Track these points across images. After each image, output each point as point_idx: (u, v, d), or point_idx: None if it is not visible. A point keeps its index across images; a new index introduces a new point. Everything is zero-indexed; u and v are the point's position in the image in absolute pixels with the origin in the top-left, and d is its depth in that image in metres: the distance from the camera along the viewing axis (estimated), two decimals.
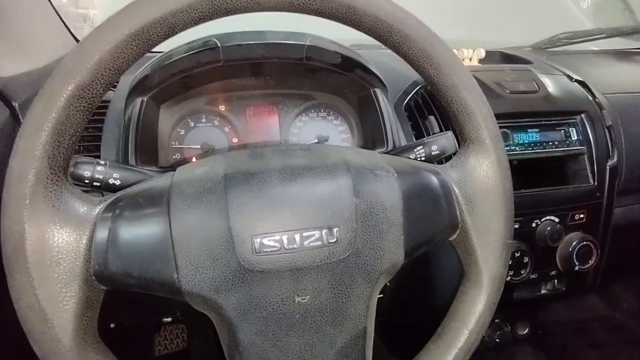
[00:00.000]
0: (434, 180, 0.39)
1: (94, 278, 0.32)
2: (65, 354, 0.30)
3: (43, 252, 0.30)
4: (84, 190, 0.36)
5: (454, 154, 0.44)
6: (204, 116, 0.63)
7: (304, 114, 0.67)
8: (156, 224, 0.32)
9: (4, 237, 0.30)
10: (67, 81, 0.30)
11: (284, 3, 0.33)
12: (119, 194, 0.35)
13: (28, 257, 0.30)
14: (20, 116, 0.54)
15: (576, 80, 0.75)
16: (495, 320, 0.81)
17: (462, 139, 0.41)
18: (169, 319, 0.69)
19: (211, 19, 0.33)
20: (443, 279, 0.67)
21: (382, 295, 0.69)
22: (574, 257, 0.66)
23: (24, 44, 0.62)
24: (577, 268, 0.67)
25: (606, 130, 0.71)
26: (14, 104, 0.54)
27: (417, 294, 0.73)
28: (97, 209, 0.33)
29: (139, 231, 0.33)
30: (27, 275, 0.30)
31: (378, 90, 0.61)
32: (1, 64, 0.56)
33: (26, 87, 0.57)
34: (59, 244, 0.31)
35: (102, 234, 0.32)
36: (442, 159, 0.48)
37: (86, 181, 0.39)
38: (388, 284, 0.71)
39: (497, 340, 0.80)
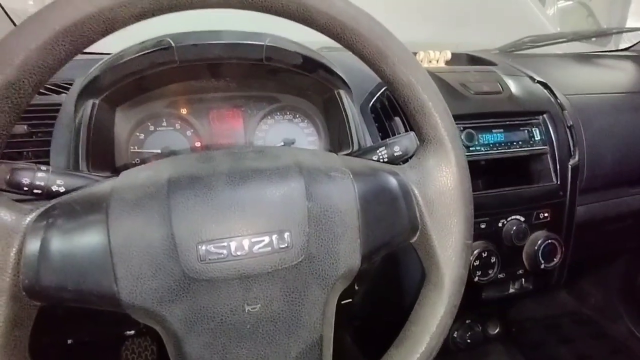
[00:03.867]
0: (393, 181, 0.38)
1: (24, 293, 0.29)
2: None
3: None
4: (23, 199, 0.33)
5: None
6: (164, 120, 0.61)
7: (269, 117, 0.65)
8: (93, 233, 0.30)
9: None
10: None
11: (238, 1, 0.32)
12: (53, 201, 0.32)
13: None
14: None
15: (539, 82, 0.77)
16: (467, 321, 0.81)
17: (420, 139, 0.41)
18: (132, 332, 0.66)
19: (154, 15, 0.31)
20: (413, 280, 0.67)
21: (350, 300, 0.68)
22: (540, 255, 0.67)
23: None
24: (542, 266, 0.68)
25: (567, 130, 0.73)
26: None
27: (389, 297, 0.73)
28: (28, 218, 0.30)
29: (75, 241, 0.30)
30: None
31: (342, 92, 0.60)
32: None
33: None
34: None
35: (33, 245, 0.29)
36: (408, 159, 0.47)
37: (25, 189, 0.36)
38: (357, 287, 0.70)
39: (469, 340, 0.80)
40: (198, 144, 0.62)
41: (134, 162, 0.60)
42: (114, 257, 0.30)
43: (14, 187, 0.36)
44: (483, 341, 0.83)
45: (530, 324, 1.07)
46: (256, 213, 0.32)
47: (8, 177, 0.35)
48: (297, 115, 0.66)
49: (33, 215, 0.31)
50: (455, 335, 0.79)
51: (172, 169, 0.33)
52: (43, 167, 0.37)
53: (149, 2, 0.30)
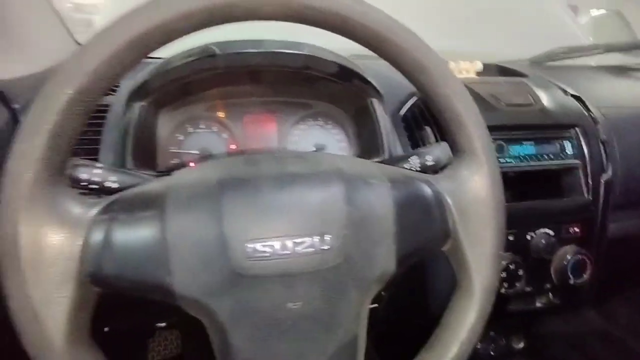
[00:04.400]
0: (427, 190, 0.40)
1: (88, 280, 0.32)
2: (57, 355, 0.30)
3: (37, 253, 0.30)
4: (81, 193, 0.36)
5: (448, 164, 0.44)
6: (202, 122, 0.64)
7: (301, 122, 0.67)
8: (151, 227, 0.33)
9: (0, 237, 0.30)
10: (66, 85, 0.30)
11: (280, 13, 0.34)
12: (114, 196, 0.35)
13: (22, 258, 0.30)
14: (20, 119, 0.55)
15: (571, 95, 0.76)
16: (490, 333, 0.81)
17: (454, 150, 0.42)
18: (163, 324, 0.69)
19: (208, 26, 0.33)
20: (439, 288, 0.67)
21: (377, 305, 0.69)
22: (569, 270, 0.66)
23: (25, 48, 0.63)
24: (571, 281, 0.67)
25: (601, 145, 0.72)
26: (14, 106, 0.55)
27: (414, 304, 0.73)
28: (93, 211, 0.33)
29: (134, 234, 0.33)
30: (21, 276, 0.30)
31: (375, 100, 0.62)
32: (2, 66, 0.57)
33: (27, 90, 0.58)
34: (54, 245, 0.31)
35: (96, 236, 0.32)
36: (438, 169, 0.48)
37: (83, 184, 0.39)
38: (383, 293, 0.71)
39: (492, 353, 0.80)
40: (233, 147, 0.65)
41: (173, 161, 0.63)
42: (169, 251, 0.32)
43: (74, 181, 0.39)
44: (507, 355, 0.82)
45: (555, 341, 1.04)
46: (300, 215, 0.34)
47: (70, 172, 0.38)
48: (329, 122, 0.68)
49: (97, 208, 0.33)
50: (478, 346, 0.78)
51: (221, 171, 0.36)
52: (99, 164, 0.40)
53: (206, 15, 0.32)
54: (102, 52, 0.31)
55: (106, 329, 0.64)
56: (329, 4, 0.34)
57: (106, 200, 0.35)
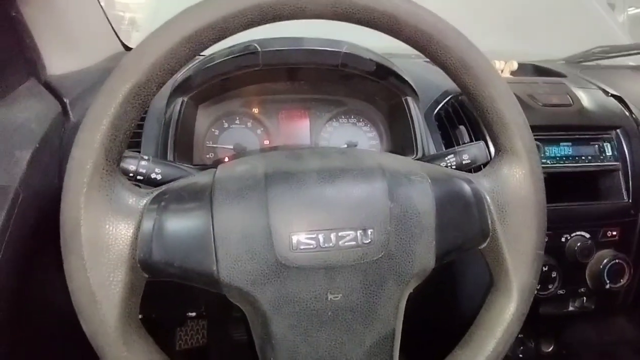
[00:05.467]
0: (467, 188, 0.40)
1: (139, 265, 0.34)
2: (110, 334, 0.32)
3: (96, 238, 0.32)
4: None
5: (485, 163, 0.44)
6: (237, 118, 0.65)
7: (334, 120, 0.68)
8: (199, 218, 0.34)
9: (62, 221, 0.32)
10: (126, 80, 0.32)
11: (327, 12, 0.34)
12: (164, 187, 0.37)
13: (83, 242, 0.32)
14: (70, 111, 0.58)
15: (612, 95, 0.74)
16: (519, 336, 0.79)
17: (496, 149, 0.41)
18: (193, 314, 0.71)
19: (259, 24, 0.34)
20: (468, 288, 0.66)
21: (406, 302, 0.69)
22: (605, 274, 0.65)
23: (75, 45, 0.66)
24: (607, 286, 0.65)
25: None
26: (65, 100, 0.58)
27: (441, 303, 0.73)
28: (145, 201, 0.35)
29: (183, 223, 0.34)
30: (81, 258, 0.32)
31: (410, 99, 0.62)
32: (54, 63, 0.60)
33: (76, 84, 0.61)
34: (110, 231, 0.33)
35: (148, 224, 0.34)
36: (472, 168, 0.48)
37: (131, 174, 0.41)
38: (413, 291, 0.71)
39: (520, 355, 0.78)
40: (267, 142, 0.66)
41: (208, 155, 0.65)
42: (216, 240, 0.33)
43: (123, 172, 0.40)
44: (535, 358, 0.80)
45: (585, 348, 1.01)
46: (343, 209, 0.34)
47: (120, 163, 0.40)
48: (361, 119, 0.69)
49: (149, 198, 0.35)
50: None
51: (267, 165, 0.37)
52: (145, 156, 0.42)
53: (257, 13, 0.33)
54: (159, 49, 0.32)
55: (140, 317, 0.67)
56: (376, 3, 0.34)
57: (157, 190, 0.36)
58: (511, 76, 0.76)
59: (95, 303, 0.32)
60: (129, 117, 0.33)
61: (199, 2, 0.33)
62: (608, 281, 0.65)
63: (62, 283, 0.33)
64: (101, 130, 0.32)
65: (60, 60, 0.61)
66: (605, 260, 0.65)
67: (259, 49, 0.54)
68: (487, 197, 0.40)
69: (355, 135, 0.68)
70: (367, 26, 0.36)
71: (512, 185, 0.40)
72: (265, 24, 0.34)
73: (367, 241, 0.34)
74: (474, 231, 0.39)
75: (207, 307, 0.68)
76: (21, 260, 0.48)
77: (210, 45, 0.34)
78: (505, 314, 0.40)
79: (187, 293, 0.67)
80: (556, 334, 0.84)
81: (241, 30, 0.34)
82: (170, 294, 0.63)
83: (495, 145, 0.41)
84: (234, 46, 0.55)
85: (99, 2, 0.72)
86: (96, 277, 0.32)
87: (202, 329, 1.08)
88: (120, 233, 0.33)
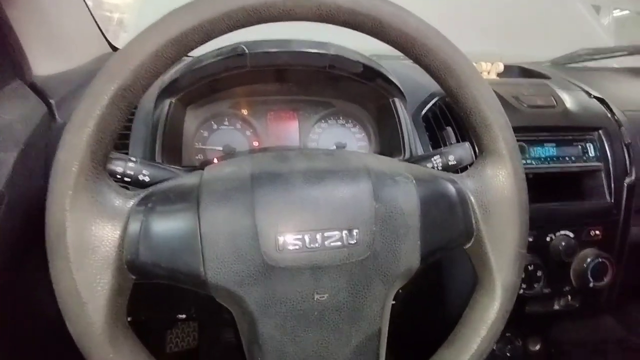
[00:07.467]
0: (451, 188, 0.40)
1: (126, 267, 0.34)
2: (97, 336, 0.32)
3: (82, 240, 0.32)
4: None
5: (471, 164, 0.45)
6: (226, 119, 0.66)
7: (323, 121, 0.69)
8: (186, 219, 0.34)
9: (48, 223, 0.32)
10: (111, 82, 0.32)
11: (313, 14, 0.35)
12: (151, 189, 0.37)
13: (68, 244, 0.31)
14: (56, 113, 0.57)
15: (595, 97, 0.75)
16: (507, 334, 0.80)
17: (479, 150, 0.42)
18: (183, 316, 0.71)
19: (245, 26, 0.35)
20: (455, 288, 0.67)
21: (394, 302, 0.70)
22: (589, 273, 0.66)
23: (61, 46, 0.65)
24: (591, 285, 0.66)
25: (624, 148, 0.71)
26: (50, 101, 0.57)
27: (428, 303, 0.73)
28: (132, 202, 0.35)
29: (169, 225, 0.34)
30: (67, 260, 0.32)
31: (397, 100, 0.63)
32: (40, 64, 0.60)
33: (62, 85, 0.60)
34: (96, 233, 0.33)
35: (134, 225, 0.34)
36: (459, 169, 0.49)
37: (118, 176, 0.41)
38: (400, 291, 0.72)
39: (508, 354, 0.79)
40: (256, 143, 0.66)
41: (197, 157, 0.65)
42: (203, 241, 0.33)
43: (110, 173, 0.40)
44: (522, 357, 0.81)
45: (572, 347, 1.03)
46: (329, 210, 0.35)
47: (107, 165, 0.40)
48: (350, 121, 0.69)
49: (135, 199, 0.35)
50: (494, 347, 0.78)
51: (254, 166, 0.37)
52: (133, 158, 0.42)
53: (242, 16, 0.34)
54: (145, 50, 0.32)
55: (129, 319, 0.66)
56: (360, 5, 0.35)
57: (143, 192, 0.36)
58: (497, 78, 0.77)
59: (82, 305, 0.32)
60: (115, 119, 0.33)
61: (185, 4, 0.33)
62: (592, 279, 0.66)
63: (48, 285, 0.33)
64: (87, 132, 0.32)
65: (46, 61, 0.60)
66: (589, 259, 0.66)
67: (247, 51, 0.54)
68: (471, 198, 0.41)
69: (343, 136, 0.69)
70: (351, 28, 0.37)
71: (496, 186, 0.41)
72: (250, 26, 0.35)
73: (353, 241, 0.35)
74: (459, 231, 0.40)
75: (197, 309, 0.68)
76: (7, 263, 0.47)
77: (196, 47, 0.34)
78: (489, 313, 0.40)
79: (176, 295, 0.66)
80: (543, 333, 0.85)
81: (226, 32, 0.35)
82: (159, 296, 0.63)
83: (478, 146, 0.42)
84: (221, 48, 0.55)
85: (86, 3, 0.71)
86: (82, 279, 0.32)
87: (192, 331, 1.08)
88: (106, 235, 0.33)
